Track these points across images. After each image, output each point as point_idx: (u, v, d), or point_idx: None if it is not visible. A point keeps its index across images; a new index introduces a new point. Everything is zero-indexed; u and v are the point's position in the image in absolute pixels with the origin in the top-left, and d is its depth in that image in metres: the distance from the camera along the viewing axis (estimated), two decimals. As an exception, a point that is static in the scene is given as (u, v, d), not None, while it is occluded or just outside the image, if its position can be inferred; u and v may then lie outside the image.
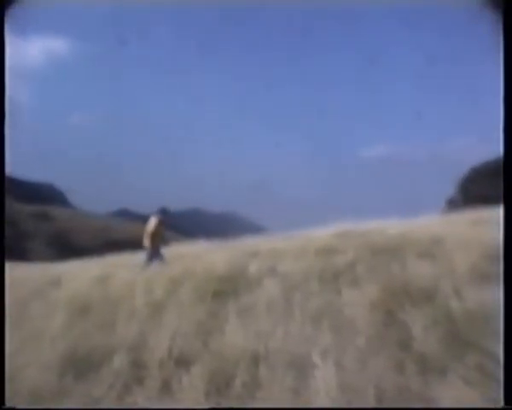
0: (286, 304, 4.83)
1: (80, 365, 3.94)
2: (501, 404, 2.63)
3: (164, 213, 10.37)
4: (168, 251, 10.83)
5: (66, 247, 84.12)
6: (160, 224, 9.96)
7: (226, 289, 5.78)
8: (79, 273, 10.21)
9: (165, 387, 3.54)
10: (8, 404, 3.03)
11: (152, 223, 9.89)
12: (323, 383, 3.07)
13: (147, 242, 9.82)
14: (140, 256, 10.20)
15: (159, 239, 10.00)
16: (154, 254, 9.72)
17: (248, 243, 11.20)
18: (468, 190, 47.68)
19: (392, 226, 10.32)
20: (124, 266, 10.03)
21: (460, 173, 53.21)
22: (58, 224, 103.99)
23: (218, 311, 5.01)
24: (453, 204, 40.79)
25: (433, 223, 10.98)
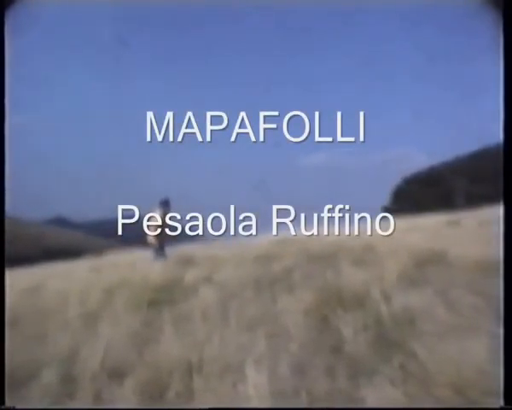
0: (222, 312, 4.85)
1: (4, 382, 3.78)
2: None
3: (167, 205, 9.27)
4: (104, 260, 10.59)
5: (-4, 256, 79.74)
6: (165, 217, 9.09)
7: (162, 298, 5.72)
8: (10, 283, 9.75)
9: (97, 400, 3.46)
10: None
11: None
12: (256, 390, 3.11)
13: (153, 239, 9.07)
14: (79, 265, 9.83)
15: (164, 235, 9.19)
16: (159, 253, 9.12)
17: (185, 250, 11.12)
18: (401, 199, 49.68)
19: (328, 234, 10.57)
20: (57, 276, 9.71)
21: (395, 182, 55.32)
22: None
23: (153, 320, 4.96)
24: (388, 212, 42.37)
25: (367, 231, 11.35)
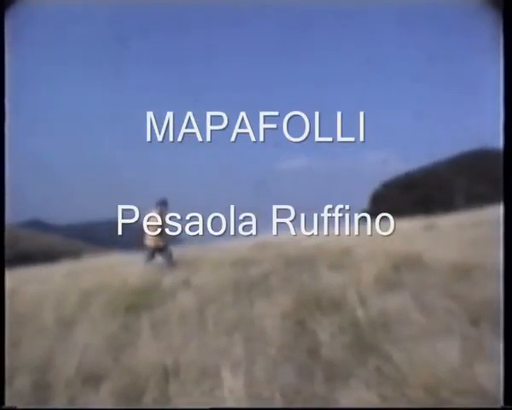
0: (199, 317, 4.84)
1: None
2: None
3: (165, 205, 8.97)
4: (81, 263, 10.46)
5: (-30, 260, 78.02)
6: (164, 217, 8.76)
7: (139, 302, 5.67)
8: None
9: (71, 406, 3.43)
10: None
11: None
12: (232, 394, 3.12)
13: (152, 241, 8.77)
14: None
15: (165, 235, 8.87)
16: (162, 254, 8.81)
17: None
18: (379, 204, 50.14)
19: (307, 238, 10.64)
20: (33, 280, 9.53)
21: (373, 187, 55.81)
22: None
23: (130, 325, 4.92)
24: (366, 215, 42.66)
25: (345, 234, 11.45)
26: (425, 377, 2.97)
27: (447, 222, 12.73)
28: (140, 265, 8.70)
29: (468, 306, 4.23)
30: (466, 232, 9.76)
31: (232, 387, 3.16)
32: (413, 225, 12.36)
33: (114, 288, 6.43)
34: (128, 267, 8.80)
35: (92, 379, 3.70)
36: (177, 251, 9.24)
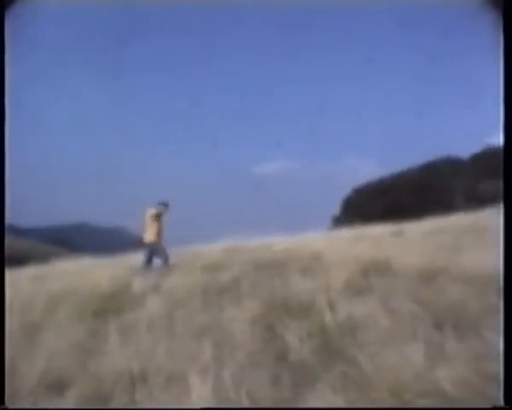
0: (169, 322, 4.82)
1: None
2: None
3: (165, 206, 9.00)
4: (49, 268, 10.26)
5: None
6: (162, 217, 8.89)
7: (108, 307, 5.61)
8: None
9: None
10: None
11: (156, 215, 8.76)
12: (200, 400, 3.12)
13: (152, 236, 8.67)
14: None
15: (161, 234, 8.87)
16: (158, 253, 8.70)
17: (134, 258, 10.94)
18: (350, 209, 50.71)
19: (278, 243, 10.72)
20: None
21: (345, 192, 56.36)
22: None
23: (98, 330, 4.86)
24: (338, 222, 43.18)
25: (316, 240, 11.58)
26: (390, 381, 3.02)
27: (415, 228, 12.99)
28: (110, 268, 8.61)
29: (433, 310, 4.32)
30: (432, 239, 9.98)
31: (201, 393, 3.16)
32: (381, 231, 12.57)
33: (82, 292, 6.35)
34: (97, 272, 8.70)
35: (58, 386, 3.64)
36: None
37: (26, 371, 3.84)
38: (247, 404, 3.10)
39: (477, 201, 28.07)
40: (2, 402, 2.93)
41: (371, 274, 6.24)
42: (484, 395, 2.75)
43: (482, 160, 46.54)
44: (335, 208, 55.58)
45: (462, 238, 9.27)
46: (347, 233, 13.66)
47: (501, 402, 2.64)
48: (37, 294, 6.89)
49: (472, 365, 3.06)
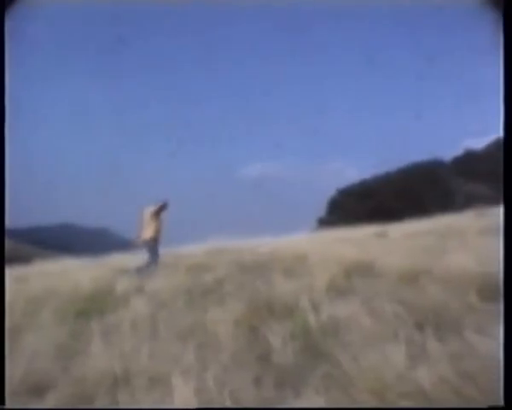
0: (152, 323, 4.79)
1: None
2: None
3: (164, 206, 8.81)
4: (31, 269, 10.13)
5: None
6: (159, 215, 8.67)
7: (91, 308, 5.56)
8: None
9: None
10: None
11: (158, 211, 8.57)
12: (183, 401, 3.11)
13: (152, 233, 8.45)
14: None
15: (157, 232, 8.61)
16: (152, 251, 8.45)
17: (118, 260, 10.84)
18: (335, 211, 50.91)
19: (262, 244, 10.73)
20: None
21: (330, 194, 56.50)
22: None
23: (81, 332, 4.81)
24: (323, 224, 43.30)
25: (300, 241, 11.62)
26: (372, 381, 3.04)
27: (398, 230, 13.10)
28: (93, 270, 8.54)
29: (415, 311, 4.36)
30: (415, 240, 10.08)
31: (184, 394, 3.15)
32: (365, 233, 12.64)
33: (65, 294, 6.28)
34: (80, 273, 8.61)
35: (39, 389, 3.59)
36: (131, 256, 9.11)
37: (6, 373, 3.79)
38: (230, 405, 3.09)
39: (460, 203, 28.44)
40: (3, 402, 2.91)
41: (354, 275, 6.29)
42: (463, 395, 2.79)
43: (464, 162, 47.20)
44: (321, 210, 55.64)
45: (444, 240, 9.39)
46: (331, 234, 13.75)
47: (481, 403, 2.68)
48: (17, 295, 6.79)
49: (452, 364, 3.10)
